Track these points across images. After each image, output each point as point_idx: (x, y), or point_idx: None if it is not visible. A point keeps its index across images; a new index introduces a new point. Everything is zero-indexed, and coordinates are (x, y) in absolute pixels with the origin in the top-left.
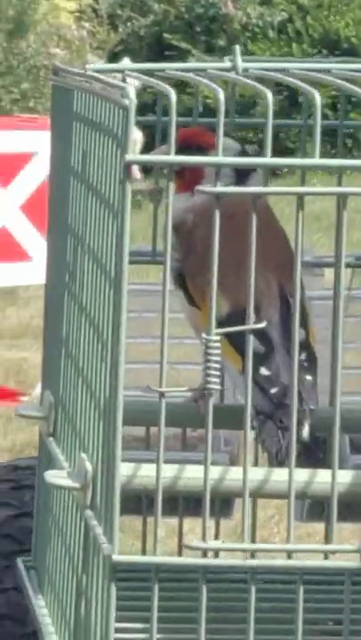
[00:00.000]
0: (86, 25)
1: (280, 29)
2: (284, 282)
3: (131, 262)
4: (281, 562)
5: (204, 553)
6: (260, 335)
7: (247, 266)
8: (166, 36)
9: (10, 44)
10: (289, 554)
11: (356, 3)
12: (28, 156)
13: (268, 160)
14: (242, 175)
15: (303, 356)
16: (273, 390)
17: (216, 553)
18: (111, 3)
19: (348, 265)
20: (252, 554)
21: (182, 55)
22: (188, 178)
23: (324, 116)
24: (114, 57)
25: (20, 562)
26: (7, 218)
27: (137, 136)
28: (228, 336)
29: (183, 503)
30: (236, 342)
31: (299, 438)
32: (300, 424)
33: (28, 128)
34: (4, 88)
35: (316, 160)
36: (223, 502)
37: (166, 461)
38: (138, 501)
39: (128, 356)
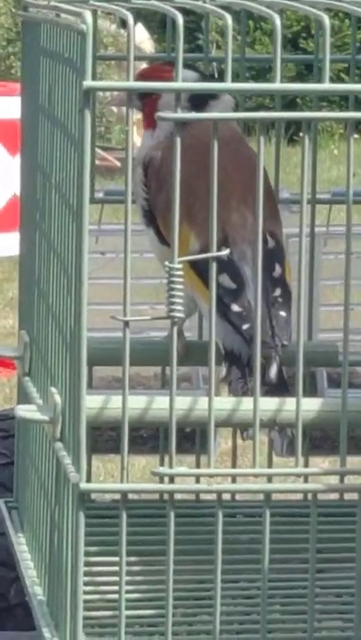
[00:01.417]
0: None
1: None
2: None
3: (105, 202)
4: (245, 485)
5: (172, 479)
6: (232, 272)
7: (222, 198)
8: None
9: (19, 9)
10: (269, 478)
11: None
12: None
13: (245, 86)
14: (198, 105)
15: (278, 292)
16: (245, 327)
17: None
18: None
19: (325, 201)
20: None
21: (195, 18)
22: (149, 114)
23: (341, 81)
24: (125, 22)
25: (1, 503)
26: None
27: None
28: (198, 272)
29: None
30: (207, 278)
31: (265, 380)
32: (268, 363)
33: None
34: (15, 55)
35: (326, 85)
36: (205, 436)
37: None
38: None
39: (105, 297)
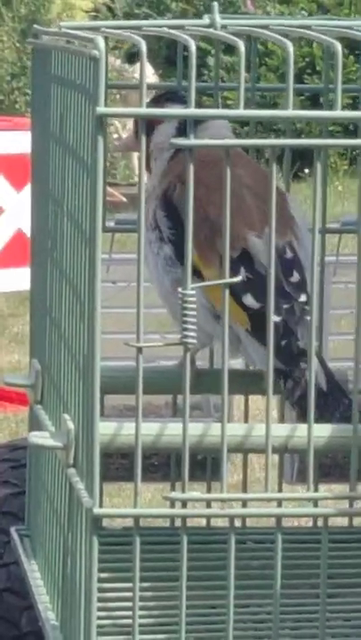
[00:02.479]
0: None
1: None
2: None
3: (116, 230)
4: (256, 510)
5: (184, 504)
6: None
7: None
8: None
9: (23, 44)
10: (279, 503)
11: None
12: None
13: (258, 113)
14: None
15: (303, 298)
16: (283, 342)
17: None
18: (128, 1)
19: (335, 231)
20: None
21: (202, 54)
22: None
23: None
24: (130, 57)
25: (13, 531)
26: (23, 221)
27: None
28: (234, 295)
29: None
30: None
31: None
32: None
33: None
34: (19, 90)
35: (337, 112)
36: (216, 464)
37: None
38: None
39: (118, 326)
